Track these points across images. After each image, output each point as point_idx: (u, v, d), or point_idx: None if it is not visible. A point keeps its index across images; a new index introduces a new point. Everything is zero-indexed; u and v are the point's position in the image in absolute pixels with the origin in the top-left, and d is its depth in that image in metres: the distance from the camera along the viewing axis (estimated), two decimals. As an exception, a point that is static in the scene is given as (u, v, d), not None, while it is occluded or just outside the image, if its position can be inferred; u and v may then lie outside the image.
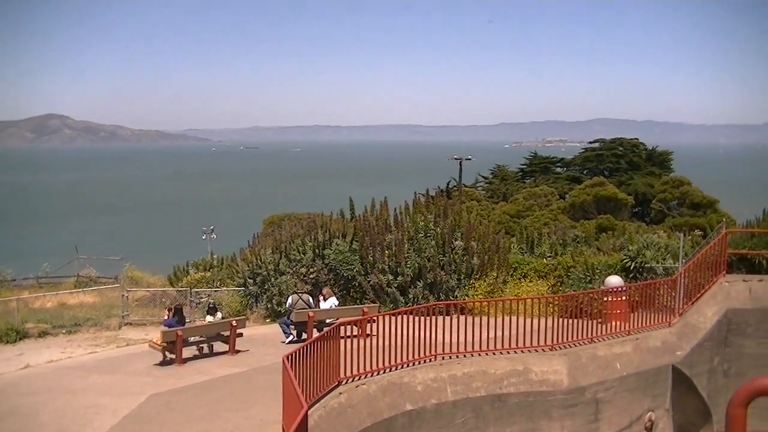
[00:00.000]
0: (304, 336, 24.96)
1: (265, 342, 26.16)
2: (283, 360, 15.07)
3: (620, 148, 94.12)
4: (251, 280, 32.28)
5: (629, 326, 23.58)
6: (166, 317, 25.13)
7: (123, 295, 34.78)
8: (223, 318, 26.37)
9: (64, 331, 32.77)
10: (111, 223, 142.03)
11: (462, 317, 21.18)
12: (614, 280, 25.82)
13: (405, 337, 19.37)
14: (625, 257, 29.63)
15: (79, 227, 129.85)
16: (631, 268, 29.05)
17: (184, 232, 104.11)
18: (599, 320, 23.27)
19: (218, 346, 25.19)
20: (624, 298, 24.24)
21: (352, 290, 31.12)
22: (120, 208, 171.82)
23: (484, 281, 29.48)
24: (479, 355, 20.65)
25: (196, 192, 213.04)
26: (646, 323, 23.94)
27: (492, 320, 21.05)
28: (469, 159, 75.26)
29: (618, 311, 23.85)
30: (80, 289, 42.94)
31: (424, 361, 19.91)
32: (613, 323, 23.44)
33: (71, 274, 51.55)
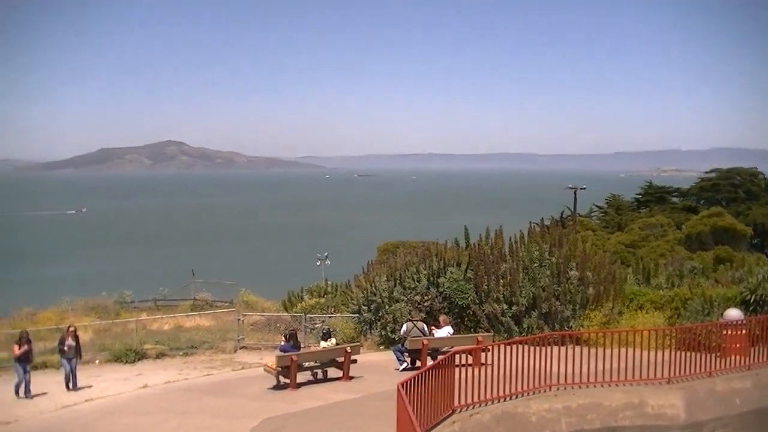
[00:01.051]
0: (418, 364, 24.90)
1: (379, 369, 26.15)
2: (398, 387, 15.07)
3: (738, 178, 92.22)
4: (365, 307, 32.35)
5: (749, 361, 22.89)
6: (282, 342, 25.32)
7: (238, 319, 35.26)
8: (337, 344, 26.50)
9: (180, 353, 33.36)
10: (226, 248, 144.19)
11: (577, 348, 20.91)
12: (734, 313, 25.07)
13: (519, 367, 19.19)
14: (744, 290, 28.80)
15: (196, 252, 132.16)
16: (751, 301, 28.24)
17: (298, 259, 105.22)
18: (717, 354, 22.67)
19: (332, 372, 25.29)
20: (744, 331, 23.57)
21: (466, 319, 30.96)
22: (234, 234, 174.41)
23: (600, 312, 29.04)
24: (594, 386, 20.33)
25: (310, 219, 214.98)
26: (767, 359, 23.28)
27: (607, 351, 20.70)
28: (584, 188, 74.40)
29: (737, 345, 23.20)
30: (196, 313, 43.74)
31: (539, 392, 19.68)
32: (733, 357, 22.80)
33: (188, 298, 52.47)
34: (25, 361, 25.21)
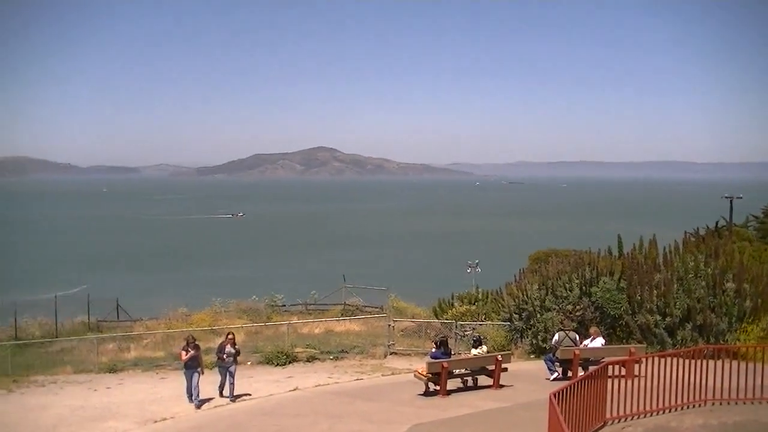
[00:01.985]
0: (569, 374, 24.68)
1: (529, 378, 25.98)
2: (550, 397, 14.97)
3: None
4: (517, 315, 32.23)
5: None
6: (432, 349, 25.36)
7: (389, 325, 35.51)
8: (488, 352, 26.43)
9: (331, 357, 33.82)
10: (377, 253, 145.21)
11: (733, 362, 20.37)
12: None
13: (673, 380, 18.82)
14: None
15: (347, 257, 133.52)
16: None
17: (448, 265, 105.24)
18: None
19: (482, 380, 25.21)
20: None
21: (618, 329, 30.55)
22: (385, 240, 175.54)
23: (757, 325, 28.23)
24: (751, 403, 19.77)
25: (460, 226, 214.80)
26: None
27: (766, 367, 20.14)
28: (740, 197, 72.40)
29: None
30: (347, 317, 44.19)
31: (693, 406, 19.27)
32: None
33: (338, 302, 53.02)
34: (192, 366, 25.16)
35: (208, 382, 26.07)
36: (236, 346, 26.25)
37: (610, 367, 18.36)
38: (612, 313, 30.37)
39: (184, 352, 25.29)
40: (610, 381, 17.78)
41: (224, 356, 25.62)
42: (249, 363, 32.51)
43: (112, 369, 33.54)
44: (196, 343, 25.86)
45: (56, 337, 43.62)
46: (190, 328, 39.17)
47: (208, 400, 25.48)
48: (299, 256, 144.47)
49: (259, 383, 28.31)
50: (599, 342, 25.74)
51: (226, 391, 25.74)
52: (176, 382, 29.02)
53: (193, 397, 25.10)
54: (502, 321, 33.39)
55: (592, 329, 26.47)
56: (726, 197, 71.89)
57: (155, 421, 23.41)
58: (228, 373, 25.67)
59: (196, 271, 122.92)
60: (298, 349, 34.44)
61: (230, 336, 26.21)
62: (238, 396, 25.79)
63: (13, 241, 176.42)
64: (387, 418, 21.52)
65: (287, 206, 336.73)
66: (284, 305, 52.09)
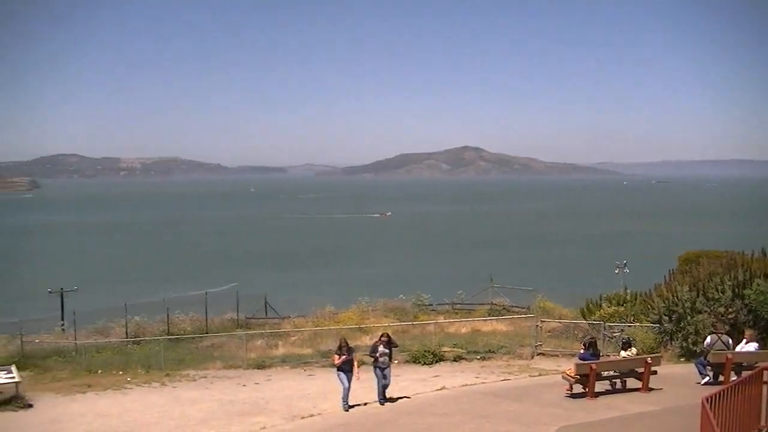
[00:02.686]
0: (721, 378, 24.09)
1: (679, 382, 25.45)
2: (702, 402, 14.64)
3: None
4: (666, 317, 31.62)
5: None
6: (581, 350, 25.08)
7: (537, 326, 35.29)
8: (637, 354, 26.01)
9: (477, 357, 33.82)
10: (523, 253, 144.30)
11: None
12: None
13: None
14: None
15: (493, 257, 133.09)
16: None
17: (595, 266, 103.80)
18: None
19: (630, 383, 24.84)
20: None
21: (772, 333, 29.70)
22: (531, 240, 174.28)
23: None
24: None
25: (607, 226, 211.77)
26: None
27: None
28: None
29: None
30: (494, 317, 44.06)
31: None
32: None
33: (485, 302, 52.90)
34: (346, 369, 24.34)
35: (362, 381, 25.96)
36: (391, 345, 25.24)
37: (765, 372, 17.85)
38: (766, 316, 29.53)
39: (337, 356, 24.54)
40: (765, 387, 17.29)
41: (378, 356, 24.83)
42: (396, 361, 32.64)
43: (261, 365, 34.23)
44: (350, 345, 25.15)
45: (206, 333, 44.80)
46: (338, 327, 39.67)
47: (362, 404, 25.35)
48: (446, 256, 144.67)
49: (406, 382, 28.47)
50: (753, 346, 25.04)
51: (378, 393, 25.05)
52: (323, 379, 29.48)
53: (346, 403, 24.42)
54: (651, 323, 32.79)
55: (747, 332, 25.74)
56: None
57: (303, 417, 23.77)
58: (382, 374, 24.93)
59: (344, 270, 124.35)
60: (445, 349, 34.55)
61: (383, 336, 25.30)
62: (391, 399, 25.21)
63: (167, 240, 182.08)
64: (534, 419, 21.41)
65: (434, 206, 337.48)
66: (431, 304, 52.19)
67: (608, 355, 29.57)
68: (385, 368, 24.88)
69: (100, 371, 34.17)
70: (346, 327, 39.52)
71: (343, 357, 24.33)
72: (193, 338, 42.10)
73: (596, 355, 24.76)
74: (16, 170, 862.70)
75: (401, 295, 51.47)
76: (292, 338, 40.80)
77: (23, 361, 35.37)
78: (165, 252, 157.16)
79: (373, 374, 25.19)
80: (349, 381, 24.45)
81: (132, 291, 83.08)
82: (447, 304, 54.17)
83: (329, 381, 26.32)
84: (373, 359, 25.18)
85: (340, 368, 24.45)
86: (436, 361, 33.17)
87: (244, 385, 30.29)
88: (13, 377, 29.30)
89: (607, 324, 34.39)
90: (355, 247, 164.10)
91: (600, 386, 24.18)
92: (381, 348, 24.88)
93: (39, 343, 39.40)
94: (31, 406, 28.01)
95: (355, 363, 24.72)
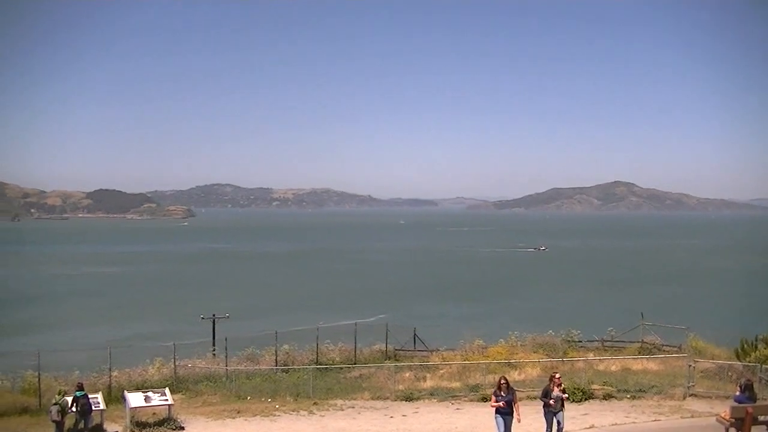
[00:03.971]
0: None
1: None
2: None
3: None
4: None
5: None
6: (736, 393, 24.36)
7: (689, 366, 34.47)
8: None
9: (627, 396, 33.25)
10: (676, 290, 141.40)
11: None
12: None
13: None
14: None
15: (645, 293, 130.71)
16: None
17: (751, 305, 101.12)
18: None
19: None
20: None
21: None
22: (684, 276, 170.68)
23: None
24: None
25: (763, 262, 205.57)
26: None
27: None
28: None
29: None
30: (645, 356, 43.27)
31: None
32: None
33: (635, 340, 51.92)
34: (504, 412, 23.09)
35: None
36: (563, 389, 24.19)
37: None
38: None
39: (494, 397, 23.26)
40: None
41: (551, 401, 23.86)
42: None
43: (409, 397, 34.35)
44: (510, 385, 23.60)
45: (355, 364, 45.14)
46: (486, 361, 39.53)
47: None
48: (597, 291, 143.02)
49: (556, 419, 28.19)
50: None
51: None
52: (471, 414, 29.48)
53: None
54: (812, 366, 31.67)
55: None
56: None
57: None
58: (555, 420, 23.96)
59: (495, 303, 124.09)
60: (594, 386, 34.08)
61: (557, 377, 24.26)
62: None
63: (317, 270, 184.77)
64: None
65: (587, 241, 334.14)
66: (580, 341, 51.51)
67: (765, 399, 28.66)
68: (558, 412, 23.91)
69: (249, 397, 34.91)
70: (494, 361, 39.42)
71: (504, 398, 23.08)
72: (342, 368, 42.52)
73: (753, 398, 23.99)
74: (175, 199, 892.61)
75: (550, 331, 50.90)
76: (441, 371, 40.75)
77: (176, 385, 36.52)
78: (315, 281, 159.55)
79: (539, 416, 24.48)
80: (507, 427, 23.18)
81: (282, 319, 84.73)
82: (597, 340, 53.33)
83: (477, 416, 26.30)
84: (545, 404, 24.15)
85: (498, 410, 23.18)
86: (586, 399, 32.74)
87: (391, 417, 30.50)
88: (167, 400, 30.24)
89: (764, 366, 33.34)
90: (509, 280, 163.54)
91: (756, 430, 23.45)
92: (555, 392, 23.92)
93: (191, 367, 40.48)
94: (182, 429, 28.88)
95: (517, 405, 23.35)
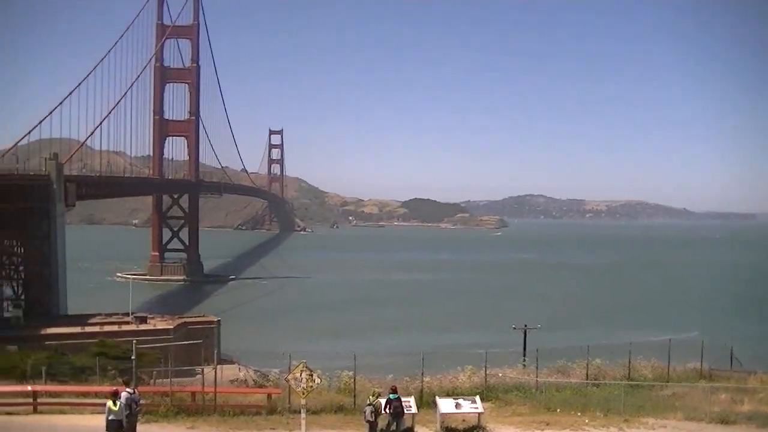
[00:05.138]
0: None
1: None
2: None
3: None
4: None
5: None
6: None
7: None
8: None
9: None
10: None
11: None
12: None
13: None
14: None
15: None
16: None
17: None
18: None
19: None
20: None
21: None
22: None
23: None
24: None
25: None
26: None
27: None
28: None
29: None
30: None
31: None
32: None
33: None
34: None
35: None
36: None
37: None
38: None
39: None
40: None
41: None
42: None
43: (724, 420, 33.06)
44: None
45: (668, 381, 43.91)
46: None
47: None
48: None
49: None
50: None
51: None
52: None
53: None
54: None
55: None
56: None
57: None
58: None
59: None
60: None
61: None
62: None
63: (630, 283, 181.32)
64: None
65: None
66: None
67: None
68: None
69: (559, 410, 34.79)
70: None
71: None
72: (654, 385, 41.49)
73: None
74: (487, 209, 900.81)
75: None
76: (760, 395, 38.89)
77: (486, 393, 36.90)
78: (628, 295, 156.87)
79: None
80: None
81: (593, 331, 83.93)
82: None
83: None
84: None
85: None
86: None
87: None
88: (477, 407, 30.67)
89: None
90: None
91: None
92: None
93: (502, 377, 40.72)
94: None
95: None
